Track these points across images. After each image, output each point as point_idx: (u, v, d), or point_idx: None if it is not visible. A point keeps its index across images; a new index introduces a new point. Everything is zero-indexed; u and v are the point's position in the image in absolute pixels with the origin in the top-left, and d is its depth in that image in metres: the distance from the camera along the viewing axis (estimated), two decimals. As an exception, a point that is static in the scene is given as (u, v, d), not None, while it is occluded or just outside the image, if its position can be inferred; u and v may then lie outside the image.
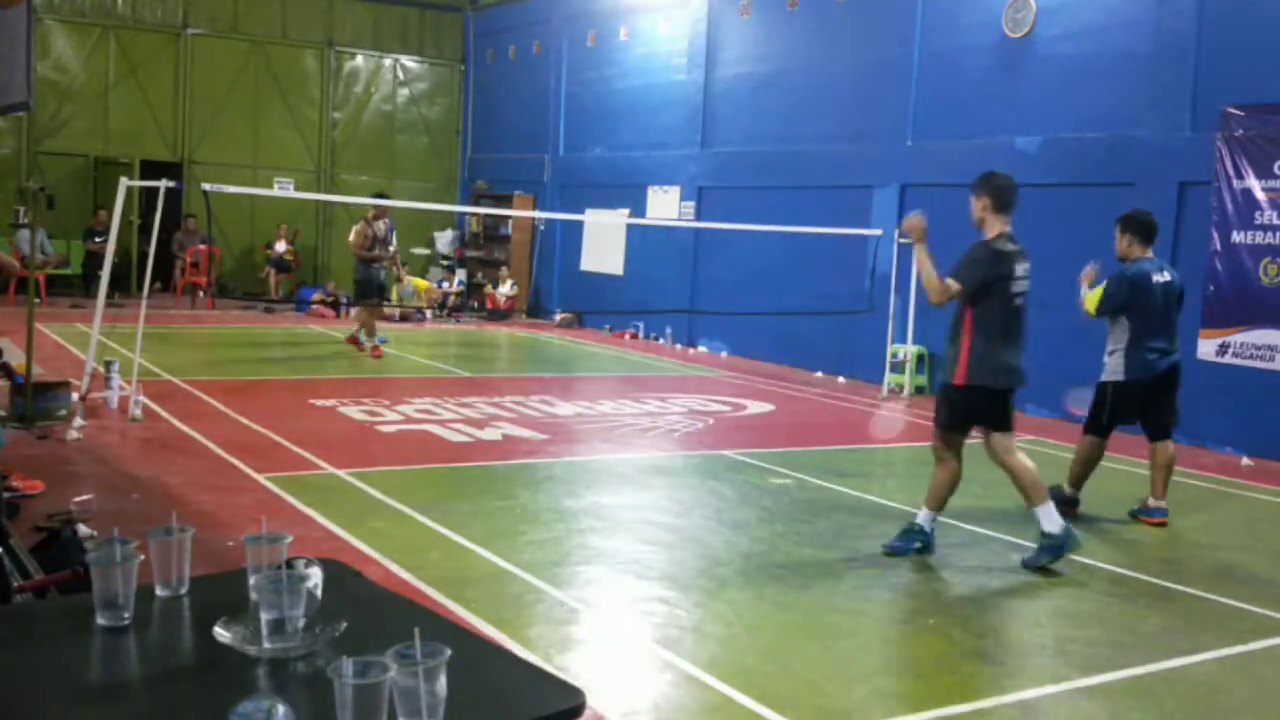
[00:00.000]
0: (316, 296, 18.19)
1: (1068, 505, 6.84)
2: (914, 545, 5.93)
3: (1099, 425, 7.09)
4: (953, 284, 5.70)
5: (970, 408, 5.87)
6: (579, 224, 17.97)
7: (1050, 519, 5.76)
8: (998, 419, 5.88)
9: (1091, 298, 7.00)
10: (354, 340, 13.12)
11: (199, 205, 17.15)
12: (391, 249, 13.35)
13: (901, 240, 12.20)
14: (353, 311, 14.73)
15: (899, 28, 12.95)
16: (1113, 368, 6.96)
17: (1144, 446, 7.26)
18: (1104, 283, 7.01)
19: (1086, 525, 6.79)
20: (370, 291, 13.22)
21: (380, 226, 13.01)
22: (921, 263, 5.94)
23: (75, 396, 8.48)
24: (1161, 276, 6.92)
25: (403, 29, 20.99)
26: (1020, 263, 5.77)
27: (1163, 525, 6.95)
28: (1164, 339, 6.91)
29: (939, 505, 5.99)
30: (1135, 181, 10.52)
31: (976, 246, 5.81)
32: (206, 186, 9.78)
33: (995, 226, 5.81)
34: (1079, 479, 7.17)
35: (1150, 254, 7.01)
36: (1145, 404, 7.00)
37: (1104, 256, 7.42)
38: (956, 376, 5.83)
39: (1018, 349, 5.83)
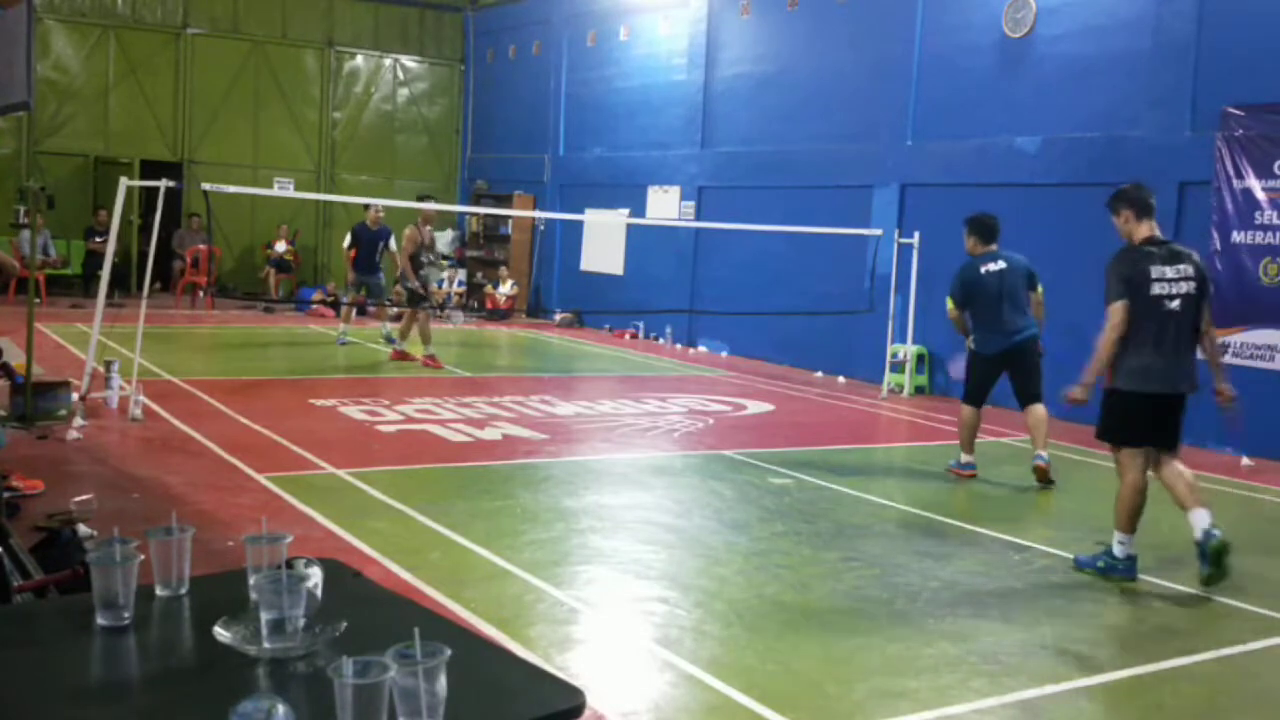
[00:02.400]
0: (316, 296, 18.19)
1: (966, 470, 8.00)
2: (1096, 564, 5.80)
3: (972, 393, 8.06)
4: (1112, 314, 5.67)
5: (1120, 413, 5.78)
6: (579, 224, 17.97)
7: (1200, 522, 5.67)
8: (1153, 430, 5.76)
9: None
10: (431, 359, 12.46)
11: (199, 205, 17.16)
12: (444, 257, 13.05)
13: (902, 241, 12.22)
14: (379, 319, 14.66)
15: (899, 28, 12.94)
16: (972, 342, 8.01)
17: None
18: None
19: (1086, 525, 6.79)
20: (420, 297, 12.72)
21: (428, 232, 12.72)
22: (1097, 364, 5.79)
23: (75, 396, 8.48)
24: (995, 265, 7.84)
25: (403, 29, 20.99)
26: (1160, 265, 5.66)
27: (1044, 470, 7.81)
28: (1005, 319, 7.80)
29: (1124, 525, 5.75)
30: (1135, 181, 10.52)
31: (1110, 261, 5.83)
32: (206, 186, 9.78)
33: (1139, 233, 5.81)
34: (969, 444, 8.07)
35: (993, 248, 7.96)
36: (1009, 374, 8.00)
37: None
38: (1106, 379, 5.83)
39: (1165, 353, 5.65)
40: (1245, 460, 9.24)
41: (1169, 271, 5.64)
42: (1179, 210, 10.22)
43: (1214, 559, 5.53)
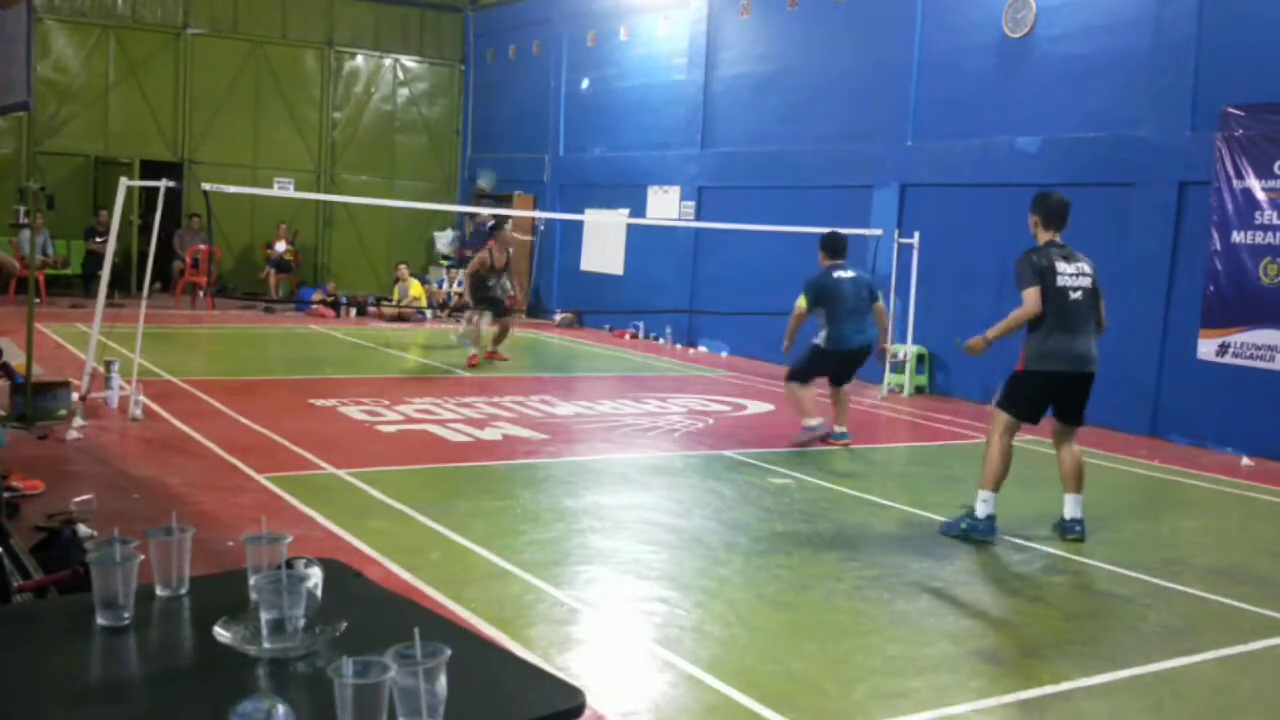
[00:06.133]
0: (316, 296, 18.19)
1: (827, 439, 8.86)
2: (960, 526, 6.35)
3: (802, 375, 9.08)
4: (1027, 298, 6.29)
5: (1028, 390, 6.42)
6: (579, 224, 17.97)
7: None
8: (1056, 405, 6.45)
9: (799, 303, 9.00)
10: (494, 355, 12.92)
11: (199, 205, 17.16)
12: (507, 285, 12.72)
13: (902, 241, 12.22)
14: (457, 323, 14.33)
15: (899, 28, 12.94)
16: (822, 337, 9.01)
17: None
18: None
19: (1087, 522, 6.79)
20: (501, 306, 12.78)
21: (497, 255, 12.48)
22: (1001, 331, 6.46)
23: (75, 396, 8.48)
24: (845, 274, 9.05)
25: (403, 29, 20.99)
26: (1065, 262, 6.33)
27: (848, 446, 8.88)
28: (854, 322, 8.93)
29: (991, 484, 6.35)
30: (1135, 181, 10.53)
31: (1019, 257, 6.47)
32: (206, 186, 9.78)
33: (1043, 238, 6.49)
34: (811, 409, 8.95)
35: (841, 261, 9.10)
36: (838, 367, 9.07)
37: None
38: (1019, 364, 6.47)
39: (1074, 337, 6.29)
40: (1245, 460, 9.24)
41: (1068, 268, 6.34)
42: (1179, 210, 10.22)
43: (1062, 539, 6.39)
